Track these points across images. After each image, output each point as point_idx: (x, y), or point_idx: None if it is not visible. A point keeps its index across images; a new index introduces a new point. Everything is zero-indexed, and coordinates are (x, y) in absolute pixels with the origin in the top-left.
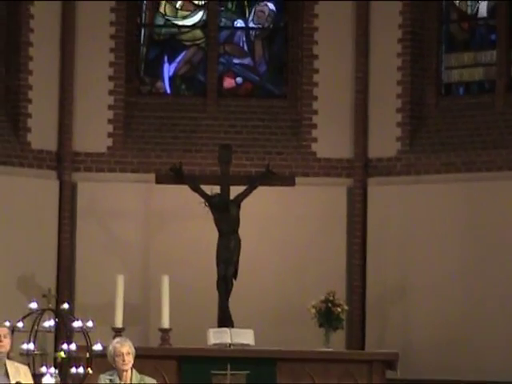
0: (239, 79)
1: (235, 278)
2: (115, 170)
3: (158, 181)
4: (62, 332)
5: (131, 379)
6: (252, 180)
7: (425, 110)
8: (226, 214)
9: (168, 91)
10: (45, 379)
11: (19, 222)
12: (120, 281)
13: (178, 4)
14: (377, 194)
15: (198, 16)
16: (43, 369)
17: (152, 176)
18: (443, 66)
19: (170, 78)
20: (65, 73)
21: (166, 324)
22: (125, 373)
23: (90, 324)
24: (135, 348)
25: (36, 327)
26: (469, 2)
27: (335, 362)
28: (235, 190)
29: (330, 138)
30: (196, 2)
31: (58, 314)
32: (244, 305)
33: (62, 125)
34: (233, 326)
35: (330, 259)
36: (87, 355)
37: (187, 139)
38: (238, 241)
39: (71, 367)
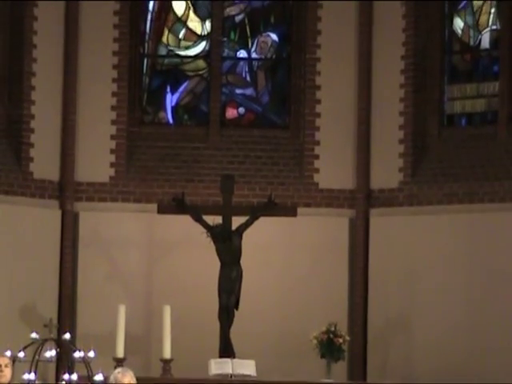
0: (242, 109)
1: (237, 308)
2: (117, 199)
3: (160, 211)
4: (64, 362)
5: None
6: (254, 210)
7: (427, 141)
8: (228, 244)
9: (170, 121)
10: None
11: (21, 250)
12: (122, 310)
13: (181, 34)
14: (379, 225)
15: (201, 46)
16: None
17: (154, 206)
18: (446, 96)
19: (173, 108)
20: (67, 103)
21: (167, 354)
22: None
23: (91, 354)
24: (136, 378)
25: (37, 357)
26: (471, 33)
27: None
28: (237, 221)
29: (333, 168)
30: (199, 33)
31: (59, 343)
32: (246, 335)
33: (65, 154)
34: (234, 357)
35: (331, 290)
36: None
37: (189, 169)
38: (240, 271)
39: None
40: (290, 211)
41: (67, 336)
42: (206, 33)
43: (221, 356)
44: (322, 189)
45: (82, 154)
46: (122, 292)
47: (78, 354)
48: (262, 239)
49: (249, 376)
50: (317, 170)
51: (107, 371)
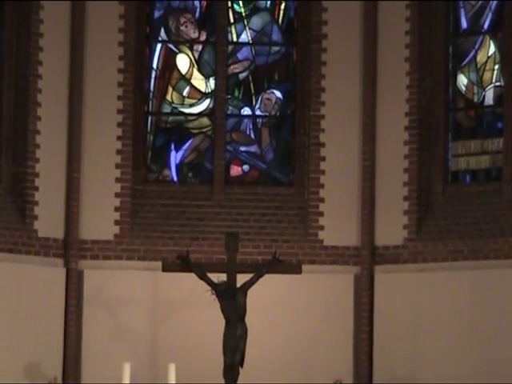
0: (246, 167)
1: (242, 366)
2: (122, 257)
3: (165, 269)
4: None
5: None
6: (259, 268)
7: (432, 198)
8: (232, 302)
9: (175, 179)
10: None
11: (25, 309)
12: (126, 369)
13: (185, 92)
14: (384, 282)
15: (205, 104)
16: None
17: (159, 264)
18: (450, 153)
19: (177, 166)
20: (72, 161)
21: None
22: None
23: None
24: None
25: None
26: (475, 90)
27: None
28: (242, 278)
29: (337, 225)
30: (203, 90)
31: None
32: None
33: (69, 213)
34: None
35: (336, 347)
36: None
37: (194, 227)
38: (245, 329)
39: None
40: (295, 268)
41: None
42: (210, 90)
43: None
44: (326, 246)
45: (87, 211)
46: (127, 350)
47: None
48: (267, 296)
49: None
50: (321, 227)
51: None
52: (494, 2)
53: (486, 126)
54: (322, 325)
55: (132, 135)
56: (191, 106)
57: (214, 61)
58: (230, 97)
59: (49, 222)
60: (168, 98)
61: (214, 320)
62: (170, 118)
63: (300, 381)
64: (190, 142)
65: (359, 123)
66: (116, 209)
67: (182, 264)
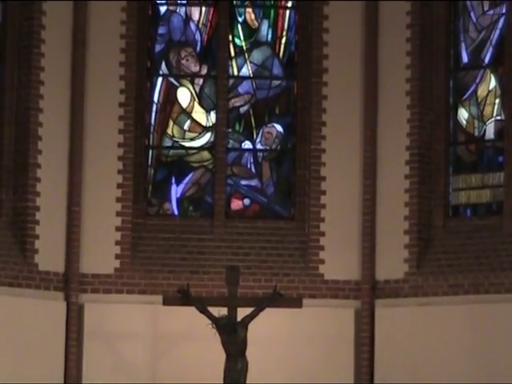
0: (247, 201)
1: None
2: (122, 291)
3: (166, 302)
4: None
5: None
6: (259, 302)
7: (432, 232)
8: (233, 336)
9: (176, 213)
10: None
11: (26, 343)
12: None
13: (186, 125)
14: (384, 316)
15: (206, 138)
16: None
17: (159, 297)
18: (451, 187)
19: (178, 200)
20: (72, 195)
21: None
22: None
23: None
24: None
25: None
26: (476, 124)
27: None
28: (243, 312)
29: (338, 259)
30: (204, 124)
31: None
32: None
33: (70, 246)
34: None
35: (337, 381)
36: None
37: (195, 261)
38: (246, 363)
39: None
40: (296, 302)
41: None
42: (210, 124)
43: None
44: (327, 280)
45: (87, 245)
46: None
47: None
48: (268, 331)
49: None
50: (322, 261)
51: None
52: (495, 37)
53: (486, 160)
54: (323, 359)
55: (133, 169)
56: (192, 139)
57: (215, 94)
58: (230, 131)
59: (49, 255)
60: (169, 131)
61: (214, 354)
62: (171, 152)
63: None
64: (190, 175)
65: (360, 157)
66: (116, 242)
67: (182, 298)
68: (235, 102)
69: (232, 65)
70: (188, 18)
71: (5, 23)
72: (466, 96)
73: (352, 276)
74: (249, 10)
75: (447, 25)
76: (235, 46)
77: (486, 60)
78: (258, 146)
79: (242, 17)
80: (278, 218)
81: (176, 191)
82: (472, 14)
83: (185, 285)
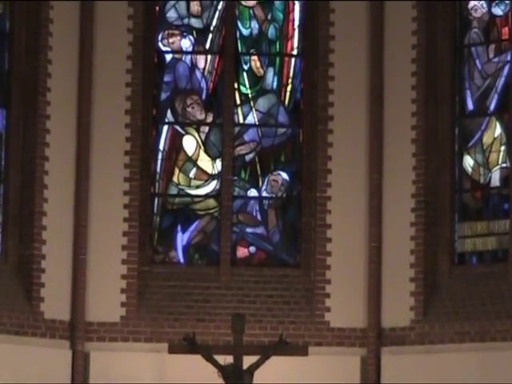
0: (252, 248)
1: None
2: (128, 339)
3: (172, 350)
4: None
5: None
6: (265, 350)
7: (438, 279)
8: None
9: (181, 260)
10: None
11: None
12: None
13: (192, 173)
14: (391, 364)
15: (212, 185)
16: None
17: (165, 345)
18: (456, 235)
19: (184, 248)
20: (78, 242)
21: None
22: None
23: None
24: None
25: None
26: (482, 171)
27: None
28: (248, 360)
29: (344, 307)
30: (209, 172)
31: None
32: None
33: (75, 294)
34: None
35: None
36: None
37: (200, 308)
38: None
39: None
40: (301, 350)
41: None
42: (216, 172)
43: None
44: (333, 328)
45: (93, 293)
46: None
47: None
48: (274, 378)
49: None
50: (328, 309)
51: None
52: (500, 84)
53: (492, 208)
54: None
55: (138, 217)
56: (198, 187)
57: (221, 142)
58: (236, 178)
59: (55, 303)
60: (174, 179)
61: None
62: (177, 200)
63: None
64: (196, 223)
65: (366, 205)
66: (122, 290)
67: (188, 346)
68: (241, 149)
69: (238, 112)
70: (193, 66)
71: (11, 71)
72: (471, 143)
73: (358, 324)
74: (254, 57)
75: (452, 72)
76: (241, 93)
77: (492, 107)
78: (264, 194)
79: (248, 64)
80: (284, 265)
81: (182, 239)
82: (477, 62)
83: (191, 333)
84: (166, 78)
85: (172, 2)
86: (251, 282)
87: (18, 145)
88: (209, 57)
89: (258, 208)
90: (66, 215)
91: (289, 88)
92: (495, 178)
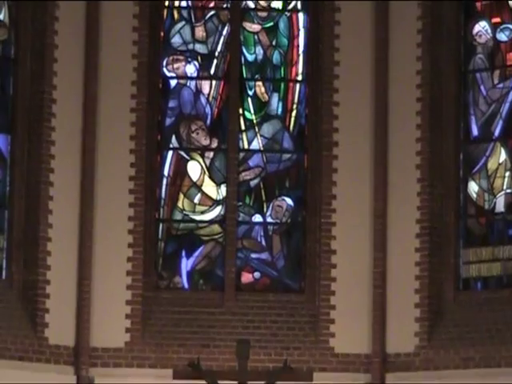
0: (257, 274)
1: None
2: (133, 365)
3: (176, 376)
4: None
5: None
6: (270, 376)
7: (443, 305)
8: None
9: (186, 286)
10: None
11: None
12: None
13: (197, 199)
14: None
15: (216, 211)
16: None
17: (170, 371)
18: (461, 260)
19: (188, 273)
20: (83, 268)
21: None
22: None
23: None
24: None
25: None
26: (486, 197)
27: None
28: None
29: (348, 333)
30: (214, 197)
31: None
32: None
33: (80, 320)
34: None
35: None
36: None
37: (205, 334)
38: None
39: None
40: (306, 376)
41: None
42: (221, 197)
43: None
44: (337, 353)
45: (98, 319)
46: None
47: None
48: None
49: None
50: (332, 335)
51: None
52: (505, 110)
53: (497, 233)
54: None
55: (143, 242)
56: (202, 212)
57: (225, 168)
58: (241, 204)
59: (59, 329)
60: (179, 204)
61: None
62: (181, 225)
63: None
64: (201, 248)
65: (370, 230)
66: (127, 316)
67: (192, 372)
68: (245, 175)
69: (242, 138)
70: (198, 92)
71: (16, 96)
72: (476, 169)
73: (362, 349)
74: (259, 83)
75: (457, 98)
76: (245, 119)
77: (496, 133)
78: (269, 220)
79: (253, 90)
80: (289, 291)
81: (186, 264)
82: (482, 87)
83: (195, 358)
84: (171, 104)
85: (177, 28)
86: (256, 308)
87: (23, 170)
88: (213, 82)
89: (262, 233)
90: (70, 241)
91: (293, 114)
92: (500, 204)
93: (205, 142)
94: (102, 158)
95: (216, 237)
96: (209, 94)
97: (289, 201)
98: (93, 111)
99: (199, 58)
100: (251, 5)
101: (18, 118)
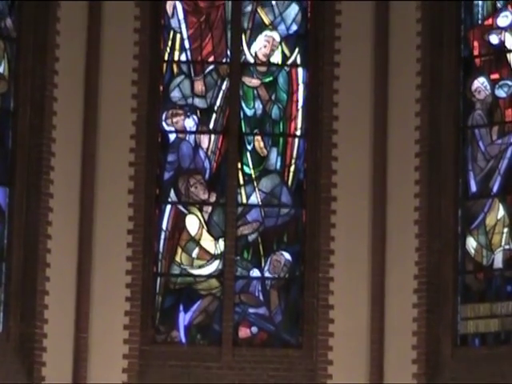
0: (255, 329)
1: None
2: None
3: None
4: None
5: None
6: None
7: (440, 361)
8: None
9: (183, 340)
10: None
11: None
12: None
13: (194, 253)
14: None
15: (214, 265)
16: None
17: None
18: (459, 316)
19: (186, 327)
20: (80, 322)
21: None
22: None
23: None
24: None
25: None
26: (484, 253)
27: None
28: None
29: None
30: (212, 252)
31: None
32: None
33: (77, 374)
34: None
35: None
36: None
37: None
38: None
39: None
40: None
41: None
42: (219, 252)
43: None
44: None
45: (95, 373)
46: None
47: None
48: None
49: None
50: None
51: None
52: (503, 166)
53: (495, 290)
54: None
55: (141, 296)
56: (200, 267)
57: (224, 222)
58: (239, 258)
59: (56, 382)
60: (177, 259)
61: None
62: (179, 279)
63: None
64: (198, 303)
65: (368, 286)
66: (124, 370)
67: None
68: (244, 229)
69: (241, 193)
70: (197, 146)
71: (14, 149)
72: (474, 225)
73: None
74: (258, 137)
75: (455, 153)
76: (244, 173)
77: (495, 189)
78: (267, 274)
79: (251, 145)
80: (286, 346)
81: (184, 319)
82: (480, 143)
83: None
84: (170, 158)
85: (176, 82)
86: (253, 363)
87: (21, 223)
88: (212, 136)
89: (260, 288)
90: (68, 294)
91: (292, 168)
92: (498, 260)
93: (203, 196)
94: (100, 211)
95: (214, 291)
96: (208, 149)
97: (287, 255)
98: (91, 165)
99: (198, 112)
100: (250, 59)
101: (17, 171)
